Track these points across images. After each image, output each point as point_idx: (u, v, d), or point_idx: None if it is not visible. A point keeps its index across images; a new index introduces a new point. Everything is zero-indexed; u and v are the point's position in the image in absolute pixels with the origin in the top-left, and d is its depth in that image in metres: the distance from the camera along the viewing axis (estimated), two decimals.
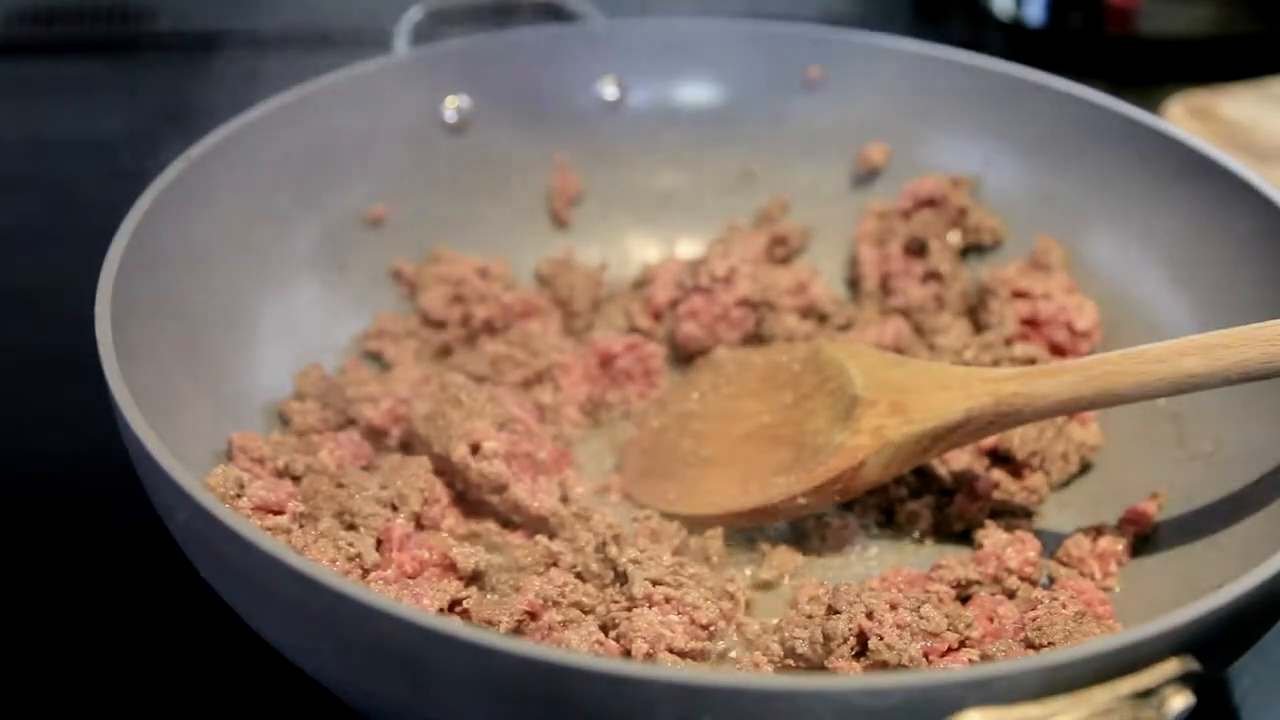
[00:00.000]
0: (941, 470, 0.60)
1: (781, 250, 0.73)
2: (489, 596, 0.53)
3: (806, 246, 0.74)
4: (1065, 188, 0.69)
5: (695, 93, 0.76)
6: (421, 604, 0.50)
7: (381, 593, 0.50)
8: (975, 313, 0.68)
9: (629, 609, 0.51)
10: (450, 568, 0.53)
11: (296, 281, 0.66)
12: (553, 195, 0.74)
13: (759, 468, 0.57)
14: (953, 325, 0.67)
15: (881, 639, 0.49)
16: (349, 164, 0.69)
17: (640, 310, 0.70)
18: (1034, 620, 0.50)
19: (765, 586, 0.56)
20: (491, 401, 0.59)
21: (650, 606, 0.51)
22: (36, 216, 0.84)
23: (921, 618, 0.50)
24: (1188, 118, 0.88)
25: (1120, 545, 0.56)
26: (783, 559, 0.57)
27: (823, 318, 0.69)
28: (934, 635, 0.49)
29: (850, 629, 0.49)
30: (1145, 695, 0.38)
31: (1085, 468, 0.62)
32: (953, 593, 0.53)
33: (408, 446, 0.60)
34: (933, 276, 0.69)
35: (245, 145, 0.63)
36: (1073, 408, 0.54)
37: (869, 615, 0.50)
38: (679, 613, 0.51)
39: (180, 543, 0.47)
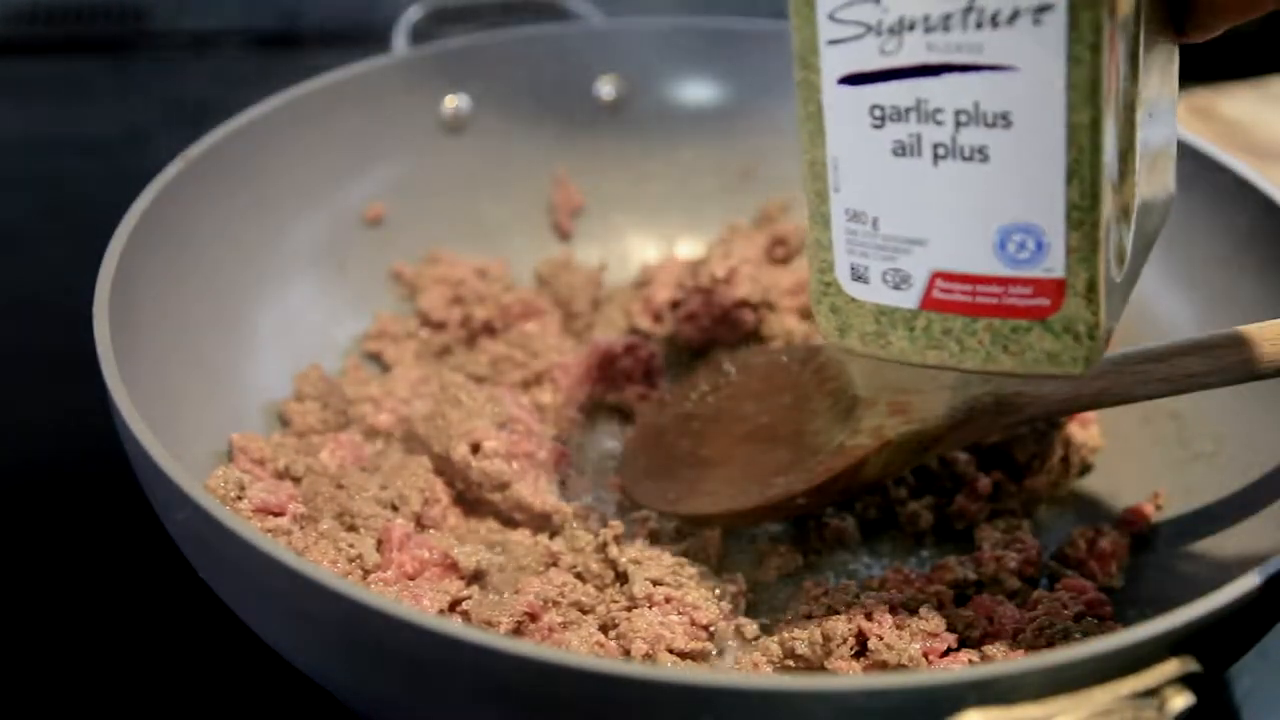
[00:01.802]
0: (941, 470, 0.60)
1: (781, 250, 0.73)
2: (490, 597, 0.53)
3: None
4: None
5: (695, 93, 0.76)
6: (421, 605, 0.50)
7: (381, 594, 0.50)
8: None
9: (629, 609, 0.51)
10: (451, 567, 0.53)
11: (296, 282, 0.66)
12: (554, 208, 0.74)
13: (759, 468, 0.57)
14: None
15: (881, 639, 0.49)
16: (348, 164, 0.70)
17: (640, 311, 0.70)
18: (1034, 620, 0.50)
19: (765, 586, 0.56)
20: (491, 401, 0.59)
21: (650, 606, 0.51)
22: (36, 216, 0.84)
23: (921, 618, 0.50)
24: (1188, 117, 0.88)
25: (1120, 545, 0.56)
26: (783, 559, 0.57)
27: None
28: (933, 635, 0.49)
29: (850, 629, 0.49)
30: (1146, 695, 0.38)
31: (1085, 468, 0.62)
32: (952, 593, 0.53)
33: (408, 447, 0.60)
34: None
35: (244, 145, 0.64)
36: (1074, 407, 0.54)
37: (868, 615, 0.50)
38: (679, 613, 0.51)
39: (179, 543, 0.47)
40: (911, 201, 0.43)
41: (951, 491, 0.60)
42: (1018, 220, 0.42)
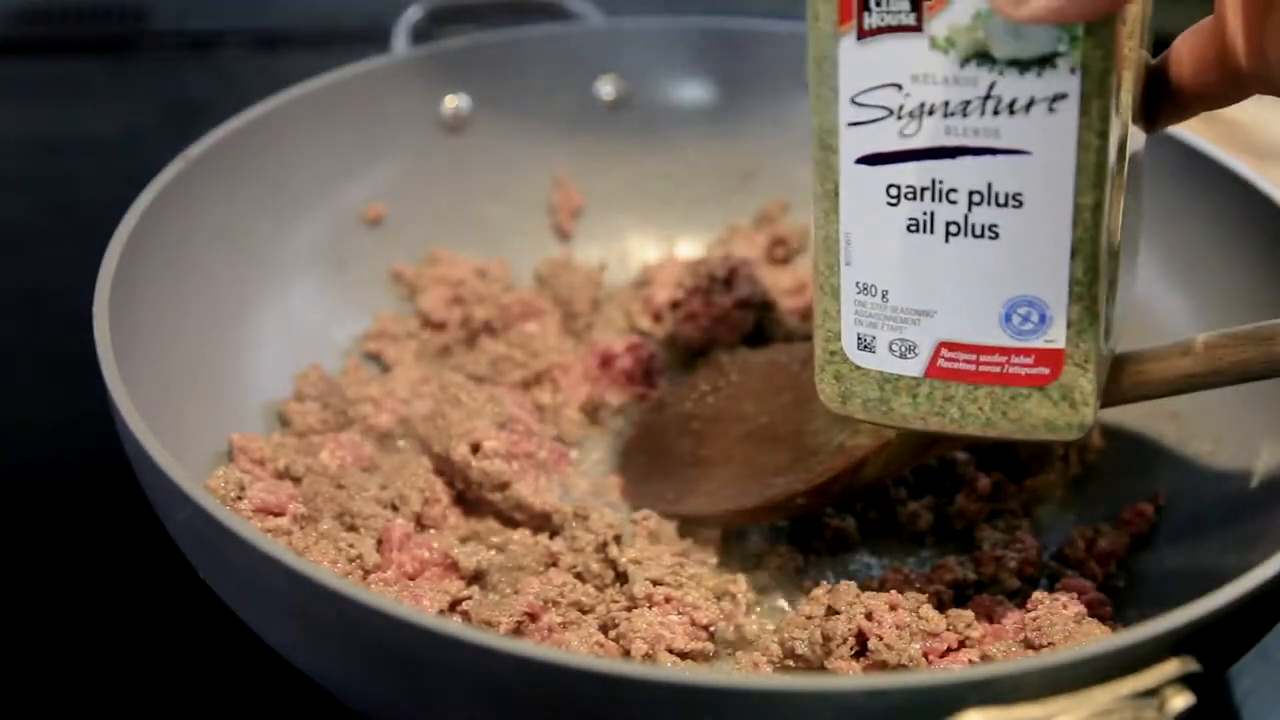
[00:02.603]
0: (941, 470, 0.60)
1: (781, 250, 0.73)
2: (490, 597, 0.53)
3: (806, 246, 0.74)
4: None
5: (695, 93, 0.76)
6: (421, 605, 0.50)
7: (381, 594, 0.50)
8: None
9: (629, 609, 0.51)
10: (452, 567, 0.53)
11: (296, 281, 0.66)
12: (554, 208, 0.74)
13: (758, 468, 0.57)
14: None
15: (881, 639, 0.49)
16: (348, 164, 0.70)
17: (640, 310, 0.70)
18: (1034, 620, 0.50)
19: (765, 586, 0.56)
20: (491, 401, 0.59)
21: (650, 606, 0.51)
22: (36, 216, 0.84)
23: (921, 618, 0.50)
24: None
25: (1120, 545, 0.56)
26: (783, 559, 0.57)
27: None
28: (933, 635, 0.49)
29: (850, 629, 0.49)
30: (1146, 695, 0.38)
31: (1085, 468, 0.62)
32: (952, 593, 0.53)
33: (409, 447, 0.60)
34: None
35: (244, 145, 0.64)
36: None
37: (868, 615, 0.50)
38: (679, 613, 0.51)
39: (179, 544, 0.48)
40: (922, 275, 0.45)
41: (951, 491, 0.60)
42: (1024, 294, 0.44)
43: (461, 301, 0.68)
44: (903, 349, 0.47)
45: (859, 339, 0.47)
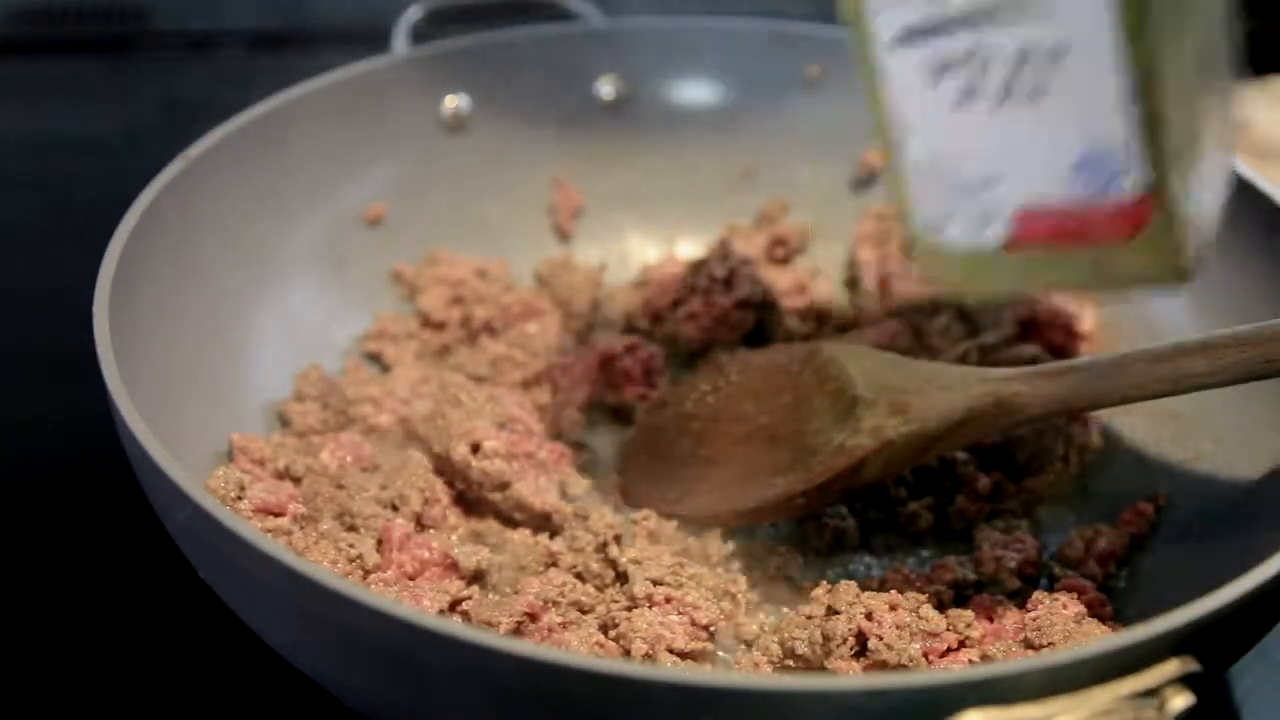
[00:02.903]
0: (941, 470, 0.60)
1: (781, 250, 0.73)
2: (490, 597, 0.53)
3: (806, 246, 0.74)
4: None
5: (695, 93, 0.76)
6: (421, 605, 0.50)
7: (381, 594, 0.50)
8: (974, 314, 0.68)
9: (629, 609, 0.51)
10: (451, 567, 0.53)
11: (296, 282, 0.66)
12: (554, 209, 0.74)
13: (758, 468, 0.57)
14: (951, 326, 0.67)
15: (881, 639, 0.49)
16: (348, 164, 0.70)
17: (640, 311, 0.70)
18: (1034, 620, 0.50)
19: (765, 586, 0.56)
20: (491, 401, 0.59)
21: (650, 606, 0.51)
22: (36, 216, 0.84)
23: (921, 618, 0.50)
24: None
25: (1120, 545, 0.56)
26: (783, 559, 0.57)
27: (822, 318, 0.69)
28: (933, 635, 0.49)
29: (850, 629, 0.49)
30: (1146, 695, 0.38)
31: (1085, 468, 0.62)
32: (952, 593, 0.53)
33: (409, 447, 0.60)
34: None
35: (244, 145, 0.64)
36: (1073, 408, 0.54)
37: (868, 615, 0.50)
38: (679, 613, 0.51)
39: (179, 544, 0.48)
40: (982, 146, 0.44)
41: (951, 491, 0.60)
42: (1089, 148, 0.43)
43: (461, 301, 0.68)
44: (981, 222, 0.45)
45: (934, 217, 0.46)
